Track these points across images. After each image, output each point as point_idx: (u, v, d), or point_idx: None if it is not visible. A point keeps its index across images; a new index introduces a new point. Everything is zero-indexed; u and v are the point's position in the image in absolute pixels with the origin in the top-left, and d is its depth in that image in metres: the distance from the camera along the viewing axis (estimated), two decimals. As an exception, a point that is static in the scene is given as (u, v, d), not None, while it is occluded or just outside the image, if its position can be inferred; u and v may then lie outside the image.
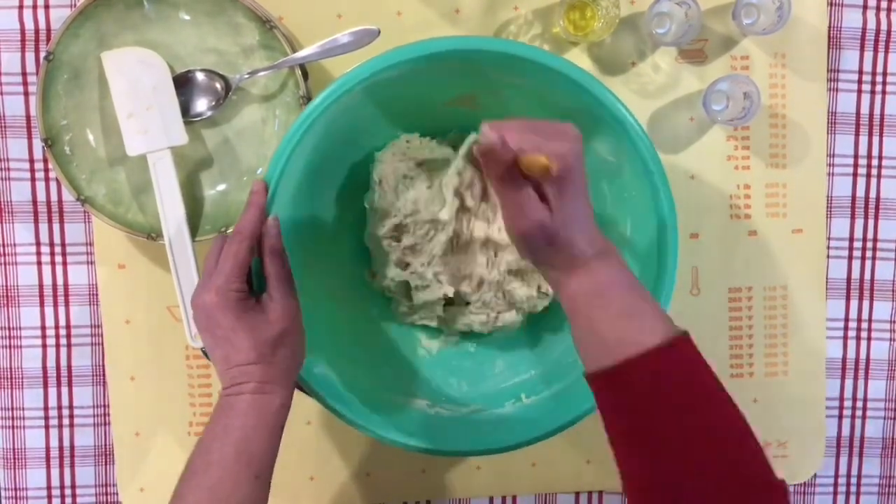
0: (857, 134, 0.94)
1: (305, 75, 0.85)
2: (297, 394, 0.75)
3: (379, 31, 0.82)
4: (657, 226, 0.75)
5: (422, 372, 0.87)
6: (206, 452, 0.68)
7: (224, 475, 0.67)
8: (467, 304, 0.85)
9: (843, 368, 0.96)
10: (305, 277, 0.76)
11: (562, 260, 0.65)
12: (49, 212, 0.91)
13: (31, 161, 0.90)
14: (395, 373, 0.87)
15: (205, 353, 0.83)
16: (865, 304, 0.96)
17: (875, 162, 0.94)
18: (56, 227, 0.91)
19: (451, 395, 0.86)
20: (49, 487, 0.94)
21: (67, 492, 0.94)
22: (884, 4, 0.92)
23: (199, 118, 0.86)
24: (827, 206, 0.94)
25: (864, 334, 0.96)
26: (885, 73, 0.93)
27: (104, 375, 0.92)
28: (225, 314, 0.69)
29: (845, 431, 0.97)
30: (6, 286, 0.92)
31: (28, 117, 0.89)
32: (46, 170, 0.90)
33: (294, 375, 0.73)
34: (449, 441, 0.81)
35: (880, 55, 0.93)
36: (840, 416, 0.97)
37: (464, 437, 0.81)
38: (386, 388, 0.84)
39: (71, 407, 0.93)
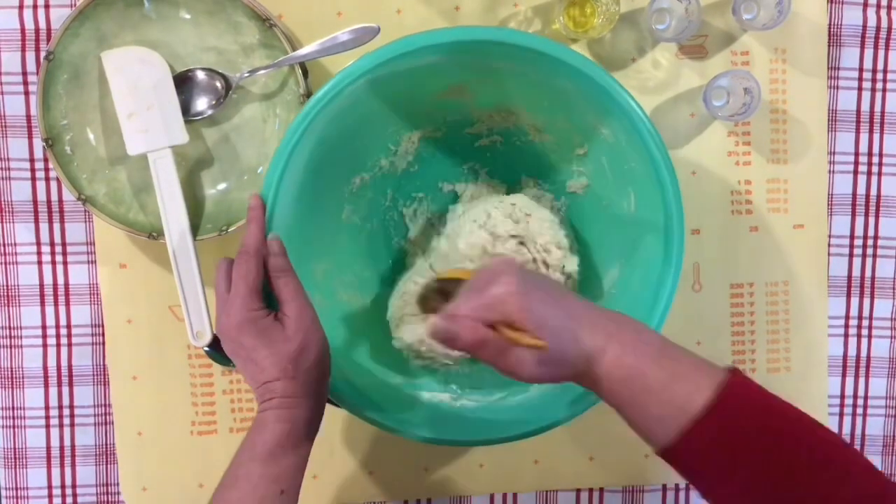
0: (857, 132, 0.94)
1: (305, 73, 0.85)
2: None
3: (379, 29, 0.82)
4: (662, 202, 0.76)
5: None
6: (235, 467, 0.69)
7: (249, 490, 0.67)
8: None
9: (844, 366, 0.96)
10: (312, 280, 0.76)
11: (578, 373, 0.65)
12: (50, 211, 0.91)
13: (32, 161, 0.90)
14: (414, 369, 0.87)
15: (207, 353, 0.83)
16: (866, 301, 0.96)
17: (876, 160, 0.94)
18: (57, 226, 0.91)
19: (477, 384, 0.86)
20: (50, 487, 0.93)
21: (68, 491, 0.94)
22: (884, 2, 0.92)
23: (199, 117, 0.86)
24: (828, 204, 0.94)
25: (864, 332, 0.96)
26: (885, 71, 0.93)
27: (105, 375, 0.92)
28: (246, 335, 0.70)
29: (846, 429, 0.97)
30: (7, 286, 0.91)
31: (28, 117, 0.89)
32: (47, 169, 0.90)
33: (321, 386, 0.73)
34: (478, 430, 0.82)
35: (881, 52, 0.93)
36: (841, 414, 0.97)
37: (492, 426, 0.82)
38: (408, 386, 0.85)
39: (72, 406, 0.93)
